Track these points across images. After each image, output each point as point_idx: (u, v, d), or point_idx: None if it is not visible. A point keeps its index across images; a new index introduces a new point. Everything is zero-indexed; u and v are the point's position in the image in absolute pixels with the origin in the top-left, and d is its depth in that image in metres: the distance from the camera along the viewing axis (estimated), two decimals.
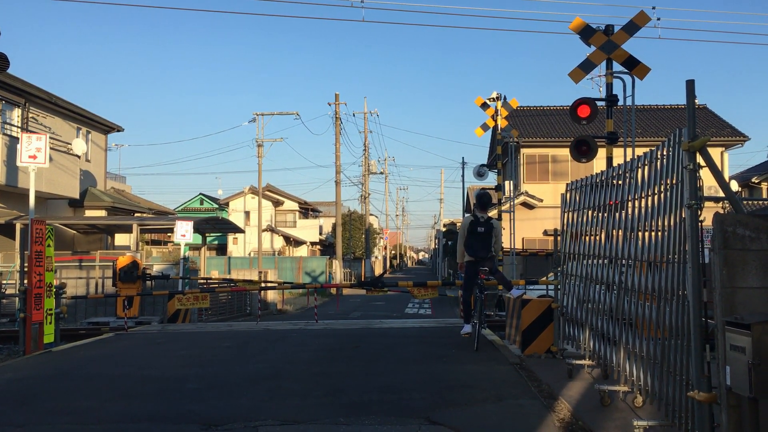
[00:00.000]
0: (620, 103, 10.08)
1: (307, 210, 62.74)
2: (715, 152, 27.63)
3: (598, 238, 6.48)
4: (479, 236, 8.81)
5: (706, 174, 4.22)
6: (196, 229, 24.41)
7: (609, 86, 10.13)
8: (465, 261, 8.98)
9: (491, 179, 28.25)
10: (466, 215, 9.48)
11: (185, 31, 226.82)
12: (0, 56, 9.98)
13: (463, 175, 41.98)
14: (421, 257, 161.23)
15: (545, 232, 27.45)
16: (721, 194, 4.54)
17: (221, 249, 53.03)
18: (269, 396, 6.34)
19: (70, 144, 25.05)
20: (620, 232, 5.80)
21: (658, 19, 24.31)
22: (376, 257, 72.65)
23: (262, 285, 21.17)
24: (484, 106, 17.68)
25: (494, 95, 17.67)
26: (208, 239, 44.58)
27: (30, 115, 23.44)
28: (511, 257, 19.11)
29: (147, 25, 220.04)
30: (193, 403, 6.08)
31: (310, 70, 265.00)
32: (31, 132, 19.25)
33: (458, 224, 10.45)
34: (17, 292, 10.95)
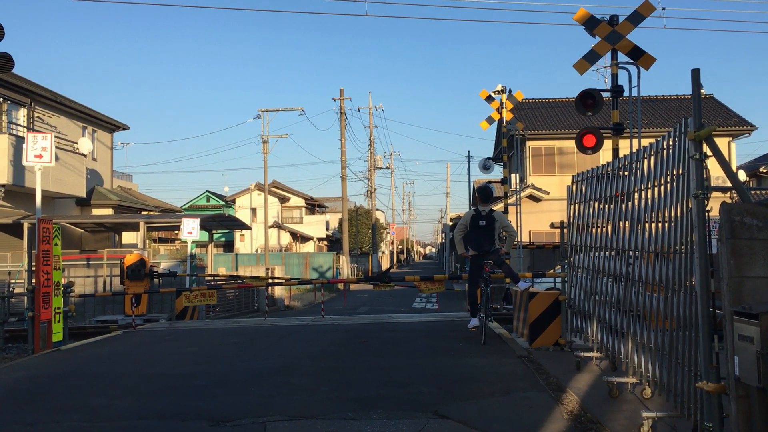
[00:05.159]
0: (626, 93, 10.02)
1: (314, 206, 62.80)
2: (722, 142, 27.48)
3: (604, 229, 6.45)
4: (481, 230, 8.79)
5: (713, 164, 4.19)
6: (203, 227, 24.43)
7: (614, 77, 10.06)
8: (469, 255, 8.97)
9: (497, 172, 28.24)
10: (471, 209, 9.47)
11: (188, 28, 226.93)
12: (4, 56, 10.00)
13: (469, 169, 42.02)
14: (428, 251, 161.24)
15: (552, 225, 27.35)
16: (728, 184, 4.51)
17: (228, 246, 53.16)
18: (277, 392, 6.35)
19: (76, 143, 25.11)
20: (627, 224, 5.78)
21: (663, 8, 24.17)
22: (383, 252, 72.66)
23: (270, 281, 21.18)
24: (489, 99, 17.59)
25: (499, 88, 17.59)
26: (215, 236, 44.69)
27: (36, 114, 23.52)
28: (518, 250, 19.05)
29: (151, 23, 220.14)
30: (201, 400, 6.10)
31: (314, 66, 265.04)
32: (37, 131, 19.28)
33: None
34: (25, 291, 11.00)
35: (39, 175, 14.34)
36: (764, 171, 30.89)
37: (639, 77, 9.81)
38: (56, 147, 18.16)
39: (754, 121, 30.43)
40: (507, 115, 17.63)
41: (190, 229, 18.08)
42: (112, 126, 29.80)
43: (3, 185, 20.94)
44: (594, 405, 5.50)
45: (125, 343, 10.38)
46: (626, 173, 5.93)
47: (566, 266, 7.87)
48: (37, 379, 7.49)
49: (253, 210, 54.25)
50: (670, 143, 4.78)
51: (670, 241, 4.71)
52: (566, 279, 7.86)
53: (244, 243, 52.70)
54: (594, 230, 6.81)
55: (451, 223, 51.53)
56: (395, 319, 12.71)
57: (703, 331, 4.06)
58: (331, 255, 43.42)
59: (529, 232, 27.29)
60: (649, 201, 5.23)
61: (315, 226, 59.23)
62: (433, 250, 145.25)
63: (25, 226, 20.44)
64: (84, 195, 25.10)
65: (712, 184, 4.24)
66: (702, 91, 4.34)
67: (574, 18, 10.14)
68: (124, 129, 30.80)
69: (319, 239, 59.50)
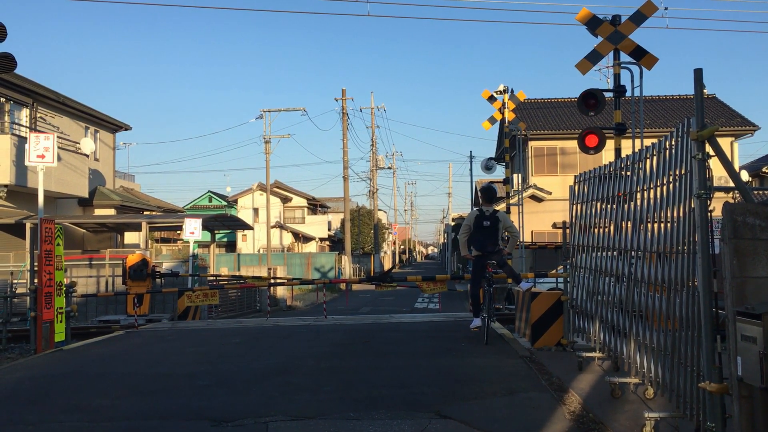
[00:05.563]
0: (628, 93, 10.01)
1: (316, 206, 62.82)
2: (724, 142, 27.45)
3: (607, 229, 6.44)
4: (485, 230, 8.79)
5: (715, 164, 4.18)
6: (205, 227, 24.47)
7: (616, 77, 10.06)
8: (473, 255, 8.97)
9: (499, 172, 28.21)
10: (474, 209, 9.47)
11: (190, 28, 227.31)
12: (7, 56, 10.01)
13: (471, 169, 41.85)
14: (430, 252, 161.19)
15: (554, 225, 27.36)
16: (731, 184, 4.50)
17: (230, 246, 53.20)
18: (279, 392, 6.35)
19: (79, 143, 25.14)
20: (629, 224, 5.77)
21: (666, 8, 24.14)
22: (385, 252, 72.67)
23: (272, 281, 21.19)
24: (491, 99, 17.58)
25: (501, 88, 17.57)
26: (217, 236, 44.70)
27: (38, 114, 23.55)
28: (521, 250, 19.04)
29: (152, 23, 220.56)
30: (203, 400, 6.10)
31: (315, 66, 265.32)
32: (40, 132, 19.32)
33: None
34: (28, 291, 11.01)
35: (41, 176, 14.37)
36: (767, 171, 30.84)
37: (641, 77, 9.80)
38: (58, 147, 18.20)
39: (756, 121, 30.47)
40: (509, 115, 17.61)
41: (192, 230, 18.11)
42: (114, 126, 29.83)
43: (5, 185, 20.97)
44: (596, 405, 5.49)
45: (127, 343, 10.39)
46: (629, 173, 5.92)
47: (568, 266, 7.86)
48: (40, 379, 7.49)
49: (256, 210, 54.29)
50: (673, 143, 4.77)
51: (673, 241, 4.70)
52: (568, 279, 7.84)
53: (246, 243, 52.72)
54: (596, 230, 6.80)
55: (453, 223, 51.51)
56: (397, 320, 12.70)
57: (705, 331, 4.06)
58: (333, 255, 43.43)
59: (531, 232, 27.29)
60: (652, 201, 5.22)
61: (317, 226, 59.25)
62: (436, 250, 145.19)
63: (28, 226, 20.47)
64: (86, 195, 25.13)
65: (715, 184, 4.23)
66: (704, 91, 4.34)
67: (576, 18, 10.14)
68: (126, 129, 30.83)
69: (321, 239, 59.53)
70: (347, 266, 42.20)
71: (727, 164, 4.18)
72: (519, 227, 19.33)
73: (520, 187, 26.11)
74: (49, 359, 8.94)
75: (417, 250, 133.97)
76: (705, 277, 4.06)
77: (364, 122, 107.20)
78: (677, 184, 4.63)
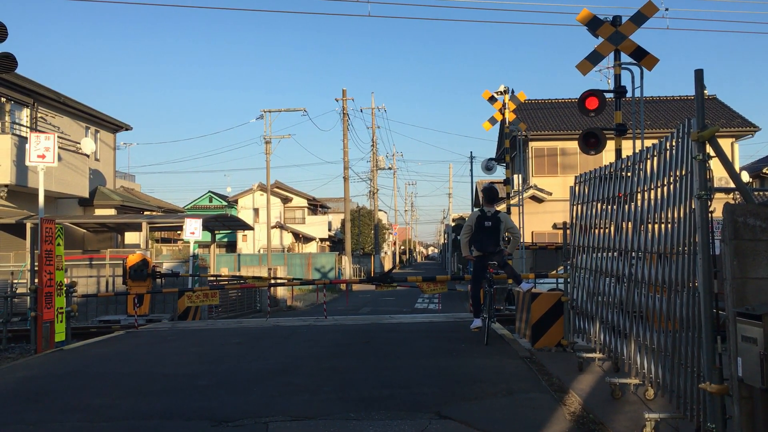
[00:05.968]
0: (629, 94, 10.01)
1: (316, 206, 62.82)
2: (725, 143, 27.43)
3: (607, 230, 6.44)
4: (486, 231, 8.79)
5: (716, 165, 4.18)
6: (206, 227, 24.48)
7: (617, 77, 10.06)
8: (474, 256, 8.97)
9: (500, 173, 28.17)
10: (475, 210, 9.47)
11: (190, 28, 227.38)
12: (8, 56, 10.03)
13: (471, 170, 41.85)
14: (430, 252, 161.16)
15: (555, 226, 27.30)
16: (732, 185, 4.50)
17: (231, 246, 53.21)
18: (279, 392, 6.35)
19: (79, 143, 25.14)
20: (630, 224, 5.77)
21: (666, 9, 24.13)
22: (385, 253, 72.66)
23: (272, 282, 21.19)
24: (492, 99, 17.56)
25: (502, 88, 17.55)
26: (218, 237, 44.72)
27: (39, 114, 23.55)
28: (521, 251, 19.03)
29: (152, 23, 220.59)
30: (203, 400, 6.10)
31: (316, 66, 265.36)
32: (40, 132, 19.33)
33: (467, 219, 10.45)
34: (28, 290, 11.02)
35: (42, 175, 14.39)
36: (767, 172, 30.81)
37: (642, 78, 9.79)
38: (59, 147, 18.23)
39: (757, 122, 30.50)
40: (510, 116, 17.59)
41: (193, 230, 18.11)
42: (114, 126, 29.84)
43: (6, 185, 20.98)
44: (596, 406, 5.49)
45: (128, 343, 10.39)
46: (629, 174, 5.92)
47: (569, 267, 7.86)
48: (40, 379, 7.49)
49: (256, 210, 54.31)
50: (673, 144, 4.77)
51: (673, 242, 4.69)
52: (569, 280, 7.84)
53: (247, 243, 52.75)
54: (597, 231, 6.80)
55: (453, 224, 51.51)
56: (397, 320, 12.70)
57: (706, 332, 4.05)
58: (334, 255, 43.42)
59: (532, 232, 27.28)
60: (652, 202, 5.22)
61: (317, 226, 59.26)
62: (436, 250, 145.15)
63: (28, 226, 20.48)
64: (87, 195, 25.13)
65: (716, 185, 4.23)
66: (705, 91, 4.33)
67: (577, 18, 10.13)
68: (126, 129, 30.83)
69: (322, 240, 59.53)
70: (347, 266, 42.19)
71: (728, 165, 4.18)
72: (519, 228, 19.31)
73: (520, 188, 26.11)
74: (49, 359, 8.94)
75: (417, 250, 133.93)
76: (705, 278, 4.06)
77: (365, 122, 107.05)
78: (678, 184, 4.63)
